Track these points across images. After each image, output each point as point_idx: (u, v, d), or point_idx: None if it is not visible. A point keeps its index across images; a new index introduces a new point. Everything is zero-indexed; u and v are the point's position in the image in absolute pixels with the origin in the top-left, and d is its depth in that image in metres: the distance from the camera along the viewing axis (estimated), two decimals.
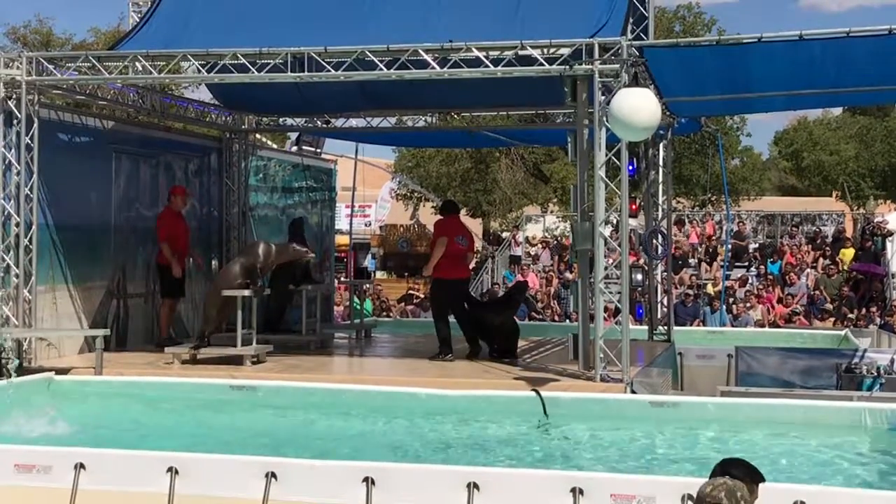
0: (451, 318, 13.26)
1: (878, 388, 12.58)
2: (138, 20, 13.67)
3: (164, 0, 13.67)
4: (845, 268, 24.54)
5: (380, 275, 33.98)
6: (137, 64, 12.08)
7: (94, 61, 12.27)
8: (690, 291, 22.41)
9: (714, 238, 28.83)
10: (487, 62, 11.46)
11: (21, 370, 11.50)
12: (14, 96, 12.10)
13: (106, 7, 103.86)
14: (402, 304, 24.84)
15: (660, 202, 15.72)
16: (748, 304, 22.17)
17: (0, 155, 12.08)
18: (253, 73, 11.93)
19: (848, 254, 25.25)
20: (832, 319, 21.57)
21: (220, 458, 7.57)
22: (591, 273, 11.36)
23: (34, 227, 12.18)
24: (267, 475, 7.17)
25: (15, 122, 12.09)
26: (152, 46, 12.33)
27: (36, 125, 12.16)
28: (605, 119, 10.80)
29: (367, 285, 23.71)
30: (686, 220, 30.59)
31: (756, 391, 11.92)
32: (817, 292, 23.18)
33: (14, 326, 11.97)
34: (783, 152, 57.81)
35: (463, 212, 38.11)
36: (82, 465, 7.45)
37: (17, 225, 12.08)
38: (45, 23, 36.42)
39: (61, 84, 12.75)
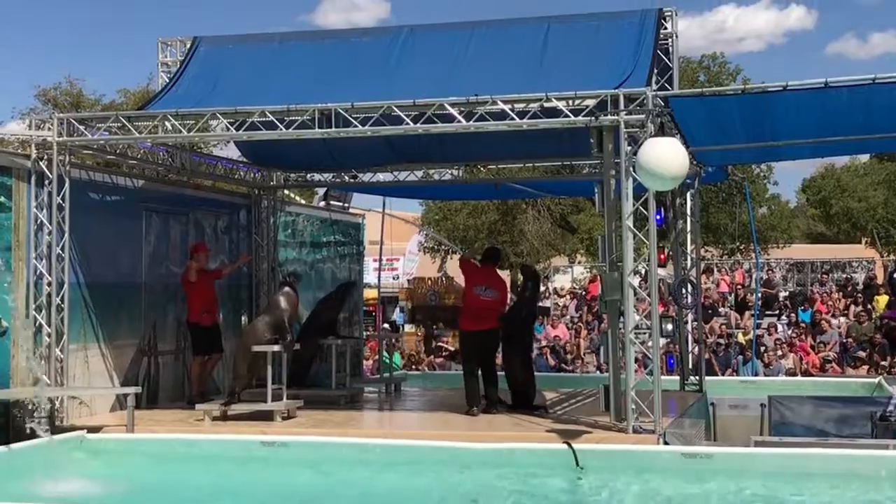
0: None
1: None
2: (167, 80, 13.87)
3: (192, 60, 13.91)
4: (878, 314, 24.32)
5: (408, 328, 33.92)
6: (167, 123, 12.22)
7: (124, 121, 12.43)
8: (721, 341, 22.24)
9: (743, 286, 28.64)
10: (513, 115, 11.50)
11: (53, 429, 11.54)
12: (45, 157, 12.26)
13: (135, 68, 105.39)
14: (431, 356, 24.78)
15: (688, 251, 15.66)
16: (780, 353, 21.98)
17: (32, 215, 12.21)
18: (281, 129, 12.04)
19: (882, 300, 25.02)
20: (865, 367, 21.34)
21: None
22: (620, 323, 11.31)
23: (66, 286, 12.27)
24: None
25: (46, 182, 12.23)
26: (181, 105, 12.49)
27: (67, 185, 12.29)
28: (632, 169, 10.81)
29: (396, 339, 23.64)
30: (715, 269, 30.43)
31: (790, 441, 11.79)
32: (849, 340, 22.95)
33: (46, 385, 12.02)
34: (811, 200, 57.55)
35: None
36: None
37: (49, 284, 12.18)
38: (76, 84, 37.18)
39: (92, 144, 12.88)
